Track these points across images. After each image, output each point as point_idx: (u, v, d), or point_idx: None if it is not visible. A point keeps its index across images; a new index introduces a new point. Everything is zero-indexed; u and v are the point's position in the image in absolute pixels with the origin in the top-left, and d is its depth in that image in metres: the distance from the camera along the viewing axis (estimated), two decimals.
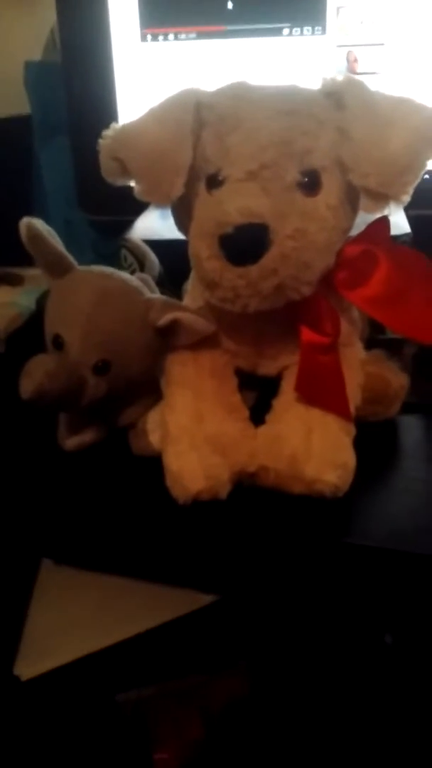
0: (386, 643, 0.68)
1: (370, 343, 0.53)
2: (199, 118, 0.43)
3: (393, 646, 0.67)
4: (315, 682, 0.66)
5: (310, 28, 0.67)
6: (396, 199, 0.41)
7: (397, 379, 0.52)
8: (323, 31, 0.67)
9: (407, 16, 0.65)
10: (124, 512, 0.49)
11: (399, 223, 0.59)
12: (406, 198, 0.42)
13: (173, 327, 0.46)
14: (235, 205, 0.39)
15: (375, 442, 0.50)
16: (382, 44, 0.66)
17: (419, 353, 0.58)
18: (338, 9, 0.66)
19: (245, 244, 0.39)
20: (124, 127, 0.46)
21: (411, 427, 0.55)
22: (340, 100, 0.42)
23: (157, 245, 0.61)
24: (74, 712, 0.66)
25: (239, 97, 0.43)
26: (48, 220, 0.47)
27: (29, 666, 0.66)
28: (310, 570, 0.47)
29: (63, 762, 0.64)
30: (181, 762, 0.63)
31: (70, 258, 0.48)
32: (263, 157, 0.41)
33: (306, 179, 0.42)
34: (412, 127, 0.41)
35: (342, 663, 0.67)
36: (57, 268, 0.48)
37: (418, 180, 0.41)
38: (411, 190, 0.41)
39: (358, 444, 0.46)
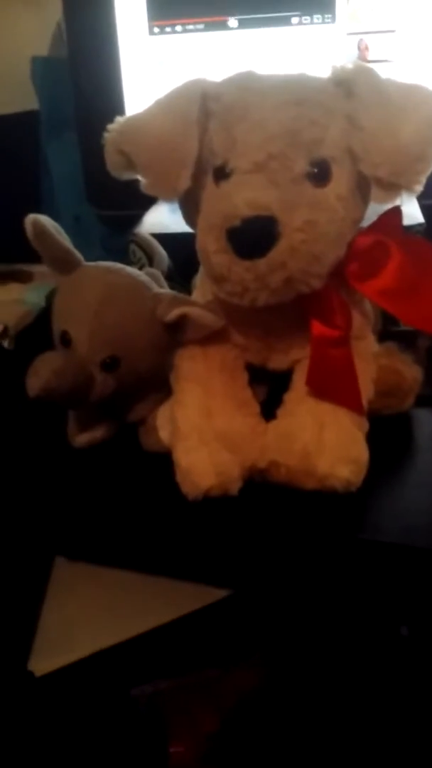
0: (402, 636, 0.67)
1: (383, 336, 0.53)
2: (205, 109, 0.42)
3: (409, 638, 0.67)
4: (330, 675, 0.66)
5: (319, 16, 0.66)
6: (408, 188, 0.41)
7: (411, 372, 0.52)
8: (333, 19, 0.66)
9: (418, 2, 0.64)
10: (136, 508, 0.49)
11: (412, 212, 0.59)
12: (419, 188, 0.41)
13: (182, 322, 0.46)
14: (243, 197, 0.39)
15: (388, 436, 0.50)
16: (394, 31, 0.65)
17: None
18: None
19: (253, 237, 0.38)
20: (129, 119, 0.45)
21: (425, 421, 0.54)
22: (350, 89, 0.41)
23: (166, 239, 0.60)
24: (89, 707, 0.67)
25: (246, 87, 0.42)
26: (56, 216, 0.47)
27: (43, 662, 0.66)
28: (323, 565, 0.47)
29: (79, 757, 0.64)
30: (196, 755, 0.63)
31: (77, 254, 0.48)
32: (271, 147, 0.40)
33: (315, 170, 0.41)
34: (425, 115, 0.40)
35: (357, 655, 0.67)
36: (64, 264, 0.47)
37: (431, 169, 0.41)
38: (424, 180, 0.41)
39: (371, 438, 0.45)
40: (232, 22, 0.67)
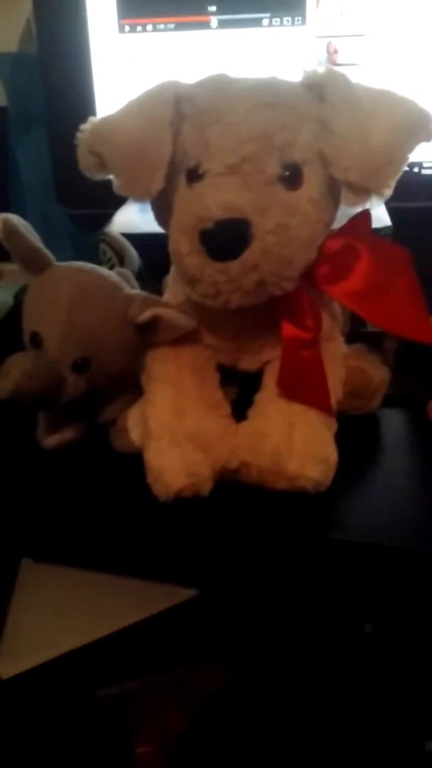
0: (366, 633, 0.68)
1: (351, 337, 0.53)
2: (178, 111, 0.42)
3: (373, 635, 0.68)
4: (296, 673, 0.67)
5: (290, 18, 0.66)
6: (378, 192, 0.41)
7: (378, 373, 0.52)
8: (303, 21, 0.66)
9: (387, 7, 0.65)
10: (106, 509, 0.49)
11: (380, 215, 0.59)
12: (388, 192, 0.41)
13: (154, 323, 0.46)
14: (216, 199, 0.39)
15: (356, 436, 0.50)
16: (362, 35, 0.66)
17: (400, 347, 0.58)
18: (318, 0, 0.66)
19: (226, 239, 0.39)
20: (102, 120, 0.45)
21: (392, 421, 0.55)
22: (322, 93, 0.42)
23: (136, 239, 0.60)
24: (56, 709, 0.66)
25: (219, 90, 0.42)
26: (25, 214, 0.46)
27: (10, 664, 0.65)
28: (292, 564, 0.47)
29: (46, 759, 0.64)
30: (163, 755, 0.63)
31: (48, 254, 0.47)
32: (243, 150, 0.40)
33: (287, 173, 0.41)
34: (394, 120, 0.41)
35: (323, 653, 0.67)
36: (34, 264, 0.47)
37: (400, 174, 0.41)
38: (393, 184, 0.41)
39: (340, 438, 0.46)
40: (203, 22, 0.67)
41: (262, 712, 0.65)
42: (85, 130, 0.45)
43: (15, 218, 0.45)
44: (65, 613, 0.69)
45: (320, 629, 0.68)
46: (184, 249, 0.40)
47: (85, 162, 0.45)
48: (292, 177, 0.42)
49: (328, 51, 0.67)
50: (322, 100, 0.42)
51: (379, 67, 0.67)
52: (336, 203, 0.45)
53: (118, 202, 0.69)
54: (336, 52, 0.67)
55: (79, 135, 0.45)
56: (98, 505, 0.49)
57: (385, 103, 0.42)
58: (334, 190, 0.44)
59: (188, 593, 0.67)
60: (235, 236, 0.39)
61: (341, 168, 0.41)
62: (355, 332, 0.55)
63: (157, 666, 0.68)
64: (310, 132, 0.41)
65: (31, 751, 0.64)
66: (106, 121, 0.45)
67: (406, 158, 0.41)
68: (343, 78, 0.42)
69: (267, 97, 0.41)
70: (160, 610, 0.67)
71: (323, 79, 0.42)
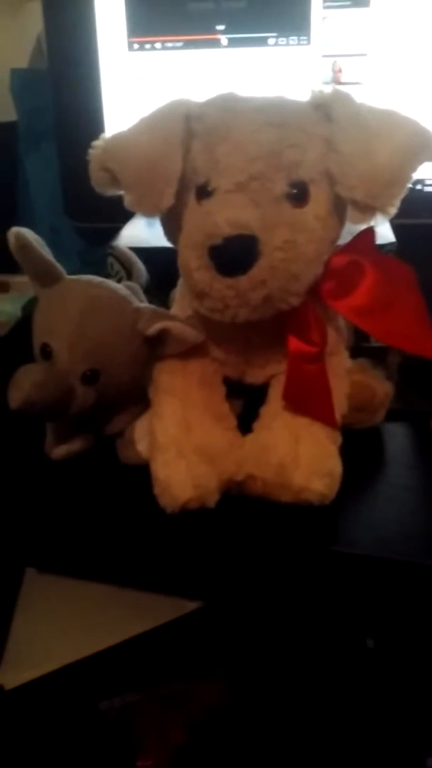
0: (368, 648, 0.68)
1: (355, 352, 0.54)
2: (188, 128, 0.43)
3: (374, 650, 0.68)
4: (297, 687, 0.66)
5: (295, 38, 0.67)
6: (383, 210, 0.42)
7: (382, 387, 0.53)
8: (308, 41, 0.67)
9: (390, 28, 0.66)
10: (111, 521, 0.49)
11: (384, 232, 0.60)
12: (393, 210, 0.42)
13: (162, 336, 0.46)
14: (225, 216, 0.40)
15: (360, 449, 0.51)
16: (365, 55, 0.67)
17: (404, 361, 0.59)
18: (323, 19, 0.67)
19: (234, 255, 0.39)
20: (113, 137, 0.46)
21: (396, 435, 0.55)
22: (328, 113, 0.42)
23: (143, 253, 0.61)
24: (58, 721, 0.66)
25: (228, 108, 0.43)
26: (33, 228, 0.47)
27: (13, 675, 0.65)
28: (297, 577, 0.47)
29: None
30: None
31: (59, 267, 0.48)
32: (252, 168, 0.41)
33: (294, 191, 0.42)
34: (398, 140, 0.42)
35: (324, 668, 0.67)
36: (46, 277, 0.48)
37: (405, 192, 0.42)
38: (397, 202, 0.42)
39: (344, 452, 0.46)
40: (211, 40, 0.68)
41: (263, 725, 0.65)
42: (97, 146, 0.45)
43: (27, 232, 0.46)
44: (68, 625, 0.68)
45: (322, 643, 0.68)
46: (194, 264, 0.41)
47: (96, 178, 0.45)
48: (299, 195, 0.42)
49: (332, 70, 0.68)
50: (328, 119, 0.43)
51: (380, 85, 0.67)
52: (342, 220, 0.46)
53: (126, 216, 0.70)
54: (340, 71, 0.68)
55: (90, 151, 0.45)
56: (104, 517, 0.49)
57: (390, 123, 0.43)
58: (340, 208, 0.45)
59: (191, 606, 0.67)
60: (244, 252, 0.39)
61: (347, 186, 0.41)
62: (359, 347, 0.56)
63: (159, 679, 0.68)
64: (317, 151, 0.42)
65: (32, 763, 0.64)
66: (117, 137, 0.46)
67: (411, 177, 0.42)
68: (348, 98, 0.43)
69: (275, 117, 0.42)
70: (162, 622, 0.67)
71: (330, 99, 0.43)
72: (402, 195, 0.42)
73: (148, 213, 0.45)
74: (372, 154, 0.41)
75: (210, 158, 0.42)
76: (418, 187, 0.68)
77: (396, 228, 0.62)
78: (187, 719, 0.65)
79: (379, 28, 0.66)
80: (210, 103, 0.44)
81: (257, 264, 0.39)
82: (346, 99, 0.43)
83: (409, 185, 0.43)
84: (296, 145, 0.42)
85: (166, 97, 0.46)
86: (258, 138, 0.41)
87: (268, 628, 0.68)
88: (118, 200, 0.46)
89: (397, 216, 0.43)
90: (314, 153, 0.42)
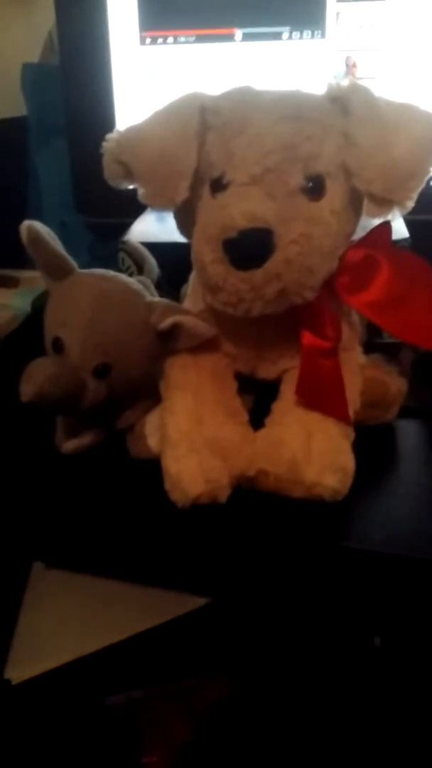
0: (375, 646, 0.68)
1: (368, 348, 0.53)
2: (203, 121, 0.43)
3: (382, 648, 0.67)
4: (303, 684, 0.66)
5: (309, 32, 0.67)
6: (400, 204, 0.42)
7: (396, 384, 0.52)
8: (323, 35, 0.67)
9: (405, 22, 0.66)
10: (122, 516, 0.49)
11: (398, 227, 0.60)
12: (411, 204, 0.42)
13: (174, 330, 0.46)
14: (240, 209, 0.39)
15: (373, 446, 0.50)
16: (379, 49, 0.67)
17: (417, 358, 0.59)
18: (337, 14, 0.66)
19: (249, 248, 0.39)
20: (128, 130, 0.46)
21: (409, 432, 0.55)
22: (346, 106, 0.42)
23: (153, 248, 0.61)
24: (64, 716, 0.66)
25: (244, 101, 0.43)
26: (43, 223, 0.47)
27: (20, 669, 0.65)
28: (308, 573, 0.47)
29: (53, 765, 0.64)
30: (169, 765, 0.62)
31: (71, 261, 0.48)
32: (268, 161, 0.41)
33: (310, 184, 0.42)
34: (417, 133, 0.41)
35: (331, 665, 0.67)
36: (58, 270, 0.47)
37: (422, 186, 0.42)
38: (415, 196, 0.42)
39: (357, 448, 0.46)
40: (224, 35, 0.68)
41: (268, 722, 0.64)
42: (111, 139, 0.45)
43: (39, 225, 0.46)
44: (75, 620, 0.68)
45: (329, 641, 0.68)
46: (208, 257, 0.40)
47: (110, 171, 0.45)
48: (315, 188, 0.42)
49: (347, 65, 0.68)
50: (345, 112, 0.42)
51: (396, 80, 0.67)
52: (357, 214, 0.45)
53: (137, 211, 0.70)
54: (355, 65, 0.68)
55: (104, 144, 0.45)
56: (114, 512, 0.49)
57: (408, 116, 0.42)
58: (355, 202, 0.44)
59: (198, 602, 0.67)
60: (259, 245, 0.39)
61: (364, 180, 0.41)
62: (372, 343, 0.56)
63: (164, 675, 0.68)
64: (334, 144, 0.42)
65: (37, 757, 0.64)
66: (132, 130, 0.45)
67: (429, 171, 0.42)
68: (366, 91, 0.43)
69: (291, 110, 0.42)
70: (169, 618, 0.67)
71: (347, 92, 0.43)
72: (420, 188, 0.42)
73: (163, 206, 0.45)
74: (390, 147, 0.41)
75: (225, 151, 0.42)
76: None
77: (409, 224, 0.62)
78: (192, 715, 0.65)
79: (394, 23, 0.66)
80: (225, 96, 0.44)
81: (272, 257, 0.39)
82: (363, 92, 0.43)
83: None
84: (312, 138, 0.42)
85: (178, 92, 0.46)
86: (274, 131, 0.41)
87: (274, 624, 0.68)
88: (129, 195, 0.46)
89: (411, 212, 0.43)
90: (331, 146, 0.42)
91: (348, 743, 0.63)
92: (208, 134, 0.43)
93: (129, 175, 0.45)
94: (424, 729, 0.63)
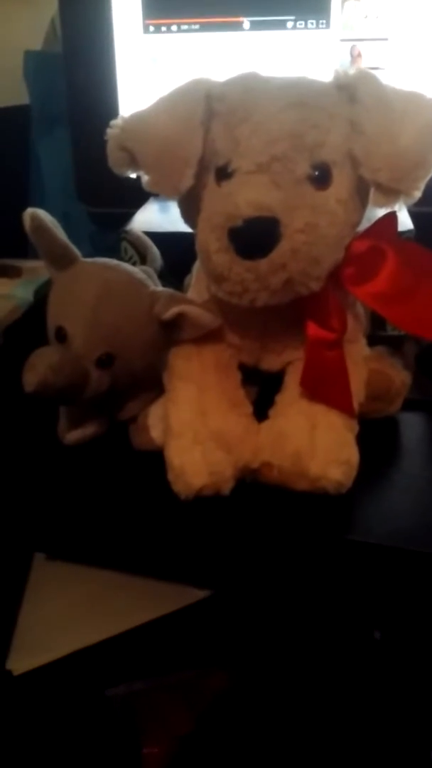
0: (375, 640, 0.68)
1: (371, 340, 0.53)
2: (209, 108, 0.42)
3: (381, 642, 0.67)
4: (303, 677, 0.66)
5: (314, 21, 0.67)
6: (407, 194, 0.41)
7: (400, 376, 0.52)
8: (327, 25, 0.67)
9: (411, 12, 0.65)
10: (124, 507, 0.49)
11: (402, 219, 0.59)
12: (418, 193, 0.41)
13: (178, 321, 0.46)
14: (245, 197, 0.39)
15: (377, 439, 0.50)
16: (386, 39, 0.66)
17: (421, 351, 0.58)
18: (342, 3, 0.66)
19: (255, 237, 0.39)
20: (132, 116, 0.45)
21: (413, 424, 0.54)
22: (353, 94, 0.42)
23: (157, 238, 0.60)
24: (65, 707, 0.66)
25: (250, 88, 0.42)
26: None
27: (22, 660, 0.65)
28: (311, 566, 0.47)
29: (53, 756, 0.64)
30: (170, 756, 0.63)
31: (75, 249, 0.47)
32: (274, 149, 0.40)
33: (316, 173, 0.41)
34: (424, 122, 0.41)
35: (331, 659, 0.67)
36: (61, 259, 0.47)
37: (430, 175, 0.41)
38: (422, 186, 0.41)
39: (360, 441, 0.46)
40: (228, 23, 0.67)
41: (268, 715, 0.65)
42: (116, 125, 0.44)
43: (42, 213, 0.45)
44: (76, 611, 0.68)
45: (329, 634, 0.68)
46: (213, 246, 0.40)
47: (114, 158, 0.45)
48: (321, 177, 0.42)
49: (351, 54, 0.68)
50: (352, 100, 0.42)
51: (403, 71, 0.67)
52: (364, 204, 0.45)
53: (139, 200, 0.69)
54: (360, 55, 0.68)
55: (109, 131, 0.44)
56: (116, 503, 0.49)
57: (416, 104, 0.42)
58: (362, 191, 0.44)
59: (199, 594, 0.67)
60: (264, 234, 0.39)
61: (371, 169, 0.41)
62: (376, 335, 0.55)
63: (165, 667, 0.68)
64: (341, 132, 0.42)
65: (38, 748, 0.64)
66: (136, 117, 0.45)
67: None
68: (374, 79, 0.42)
69: (298, 97, 0.41)
70: (170, 611, 0.67)
71: (354, 79, 0.42)
72: (427, 178, 0.41)
73: (167, 194, 0.44)
74: (397, 136, 0.40)
75: (231, 139, 0.41)
76: None
77: (414, 216, 0.61)
78: (193, 708, 0.65)
79: (399, 12, 0.65)
80: (231, 83, 0.43)
81: (278, 247, 0.39)
82: (370, 79, 0.42)
83: None
84: (319, 126, 0.41)
85: (182, 80, 0.45)
86: (280, 118, 0.41)
87: (275, 617, 0.68)
88: (132, 185, 0.45)
89: (415, 204, 0.43)
90: (337, 134, 0.41)
91: (347, 736, 0.63)
92: (213, 121, 0.42)
93: (133, 162, 0.44)
94: (423, 722, 0.63)
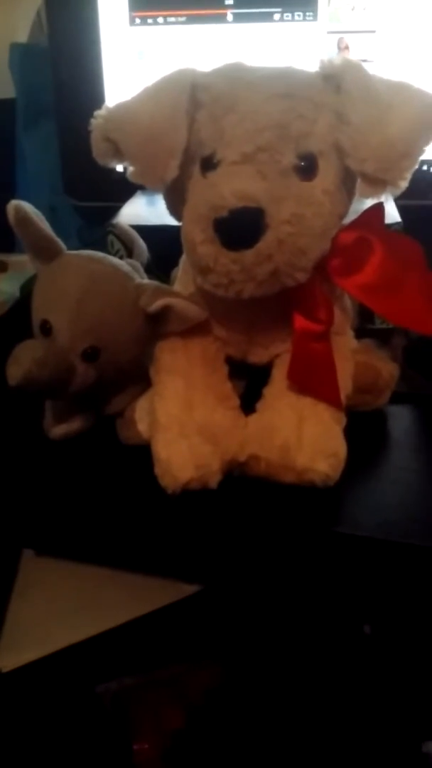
0: (365, 634, 0.68)
1: (359, 334, 0.53)
2: (194, 98, 0.42)
3: (371, 636, 0.67)
4: (294, 672, 0.66)
5: (301, 13, 0.66)
6: (394, 184, 0.41)
7: (387, 369, 0.52)
8: (314, 17, 0.66)
9: (398, 4, 0.65)
10: (111, 502, 0.48)
11: (389, 211, 0.59)
12: (404, 184, 0.41)
13: (164, 313, 0.46)
14: (230, 188, 0.39)
15: (364, 431, 0.50)
16: (374, 31, 0.66)
17: (408, 344, 0.58)
18: None
19: (240, 228, 0.38)
20: (117, 106, 0.45)
21: (400, 417, 0.54)
22: (339, 84, 0.41)
23: (143, 231, 0.60)
24: (54, 704, 0.66)
25: (235, 78, 0.42)
26: None
27: (10, 657, 0.65)
28: (300, 559, 0.47)
29: (43, 753, 0.63)
30: (160, 752, 0.62)
31: (59, 242, 0.47)
32: (259, 139, 0.40)
33: (302, 163, 0.41)
34: (411, 112, 0.41)
35: (321, 653, 0.67)
36: (45, 252, 0.47)
37: (416, 166, 0.41)
38: (409, 176, 0.41)
39: (348, 434, 0.46)
40: (214, 15, 0.67)
41: (260, 710, 0.65)
42: (100, 116, 0.44)
43: (26, 205, 0.45)
44: (66, 607, 0.68)
45: (320, 628, 0.68)
46: (198, 238, 0.40)
47: (98, 149, 0.44)
48: (307, 167, 0.42)
49: (338, 47, 0.67)
50: (338, 90, 0.41)
51: (390, 63, 0.66)
52: (350, 195, 0.45)
53: (126, 194, 0.69)
54: (347, 48, 0.67)
55: (93, 121, 0.44)
56: (103, 498, 0.48)
57: (402, 94, 0.42)
58: (348, 182, 0.44)
59: (189, 589, 0.67)
60: (250, 225, 0.38)
61: (358, 159, 0.40)
62: (363, 329, 0.55)
63: (156, 662, 0.68)
64: (327, 122, 0.41)
65: (28, 745, 0.64)
66: (121, 107, 0.44)
67: (423, 150, 0.41)
68: (360, 69, 0.42)
69: (284, 87, 0.41)
70: (160, 606, 0.67)
71: (340, 69, 0.42)
72: (413, 168, 0.41)
73: (152, 185, 0.44)
74: (384, 126, 0.40)
75: (216, 129, 0.41)
76: (424, 167, 0.67)
77: (401, 209, 0.61)
78: (183, 703, 0.65)
79: (386, 4, 0.65)
80: (216, 73, 0.43)
81: (263, 238, 0.38)
82: (356, 69, 0.42)
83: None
84: (305, 116, 0.41)
85: (174, 69, 0.44)
86: (266, 108, 0.40)
87: (266, 612, 0.68)
88: (118, 179, 0.45)
89: (402, 196, 0.43)
90: (323, 124, 0.41)
91: (339, 730, 0.63)
92: (198, 112, 0.42)
93: (118, 153, 0.44)
94: (414, 715, 0.63)
